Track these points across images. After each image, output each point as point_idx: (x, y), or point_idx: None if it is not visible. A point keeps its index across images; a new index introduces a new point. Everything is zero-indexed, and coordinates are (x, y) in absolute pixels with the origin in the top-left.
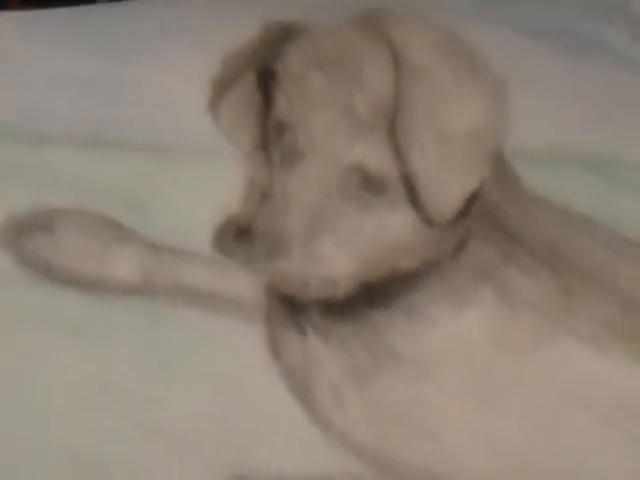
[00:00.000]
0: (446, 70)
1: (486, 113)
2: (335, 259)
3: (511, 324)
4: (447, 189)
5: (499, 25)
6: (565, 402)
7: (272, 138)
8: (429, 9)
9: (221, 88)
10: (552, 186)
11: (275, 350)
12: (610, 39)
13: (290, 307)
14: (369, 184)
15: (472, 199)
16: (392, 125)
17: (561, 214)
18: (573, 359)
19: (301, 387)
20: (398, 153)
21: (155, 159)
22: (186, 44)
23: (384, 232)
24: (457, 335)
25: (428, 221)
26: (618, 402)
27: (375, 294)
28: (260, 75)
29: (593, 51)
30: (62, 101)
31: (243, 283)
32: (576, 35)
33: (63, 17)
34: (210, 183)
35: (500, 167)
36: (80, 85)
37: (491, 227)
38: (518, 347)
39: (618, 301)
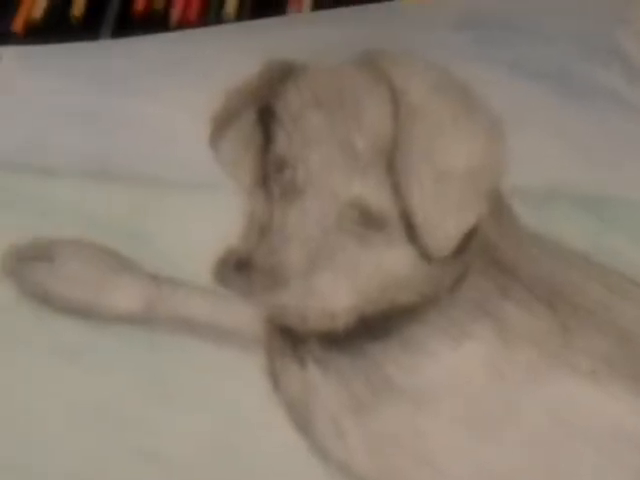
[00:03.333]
0: (443, 109)
1: (483, 151)
2: (334, 293)
3: (508, 357)
4: (445, 225)
5: (496, 65)
6: (564, 434)
7: (272, 174)
8: (427, 48)
9: (222, 124)
10: (548, 224)
11: (275, 380)
12: (607, 82)
13: (290, 339)
14: (368, 220)
15: (470, 235)
16: (390, 163)
17: (557, 251)
18: (572, 393)
19: (301, 417)
20: (396, 190)
21: (156, 192)
22: (188, 80)
23: (383, 267)
24: (455, 368)
25: (426, 257)
26: (618, 435)
27: (373, 327)
28: (260, 112)
29: (590, 93)
30: (63, 134)
31: (243, 315)
32: (573, 77)
33: (65, 53)
34: (211, 216)
35: (497, 204)
36: (81, 119)
37: (488, 263)
38: (516, 380)
39: (615, 337)
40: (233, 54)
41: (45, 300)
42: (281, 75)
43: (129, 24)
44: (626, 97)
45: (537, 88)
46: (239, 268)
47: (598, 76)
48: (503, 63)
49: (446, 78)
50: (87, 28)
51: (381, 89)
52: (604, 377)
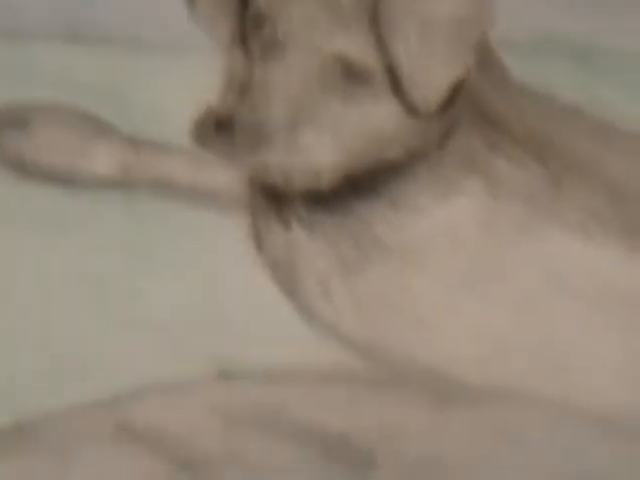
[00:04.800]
0: None
1: (468, 1)
2: (318, 150)
3: (498, 213)
4: (431, 78)
5: None
6: (553, 289)
7: (251, 30)
8: None
9: None
10: (538, 75)
11: (258, 243)
12: None
13: (273, 199)
14: (352, 75)
15: (457, 88)
16: (374, 14)
17: (547, 103)
18: (561, 247)
19: (286, 279)
20: (381, 43)
21: (133, 52)
22: None
23: (368, 123)
24: (444, 223)
25: (413, 112)
26: (606, 289)
27: (360, 185)
28: None
29: None
30: None
31: (224, 176)
32: None
33: None
34: (189, 76)
35: (485, 55)
36: None
37: (477, 117)
38: (506, 235)
39: (606, 191)
40: None
41: (22, 167)
42: None
43: None
44: None
45: None
46: (219, 128)
47: None
48: None
49: None
50: None
51: None
52: (595, 231)
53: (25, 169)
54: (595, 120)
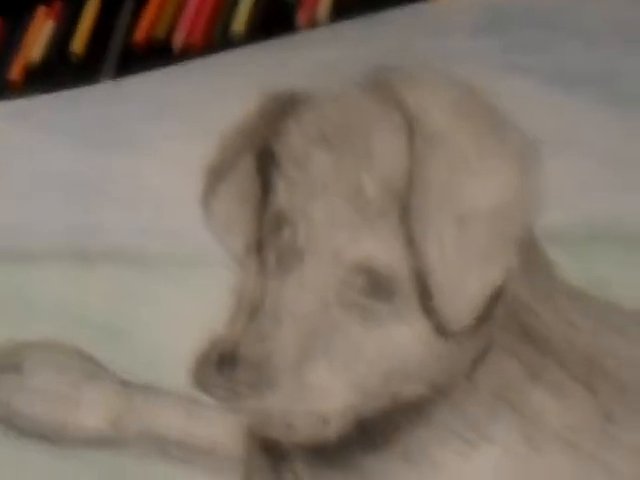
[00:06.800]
0: (466, 135)
1: (514, 186)
2: (328, 390)
3: (535, 465)
4: (466, 285)
5: (529, 75)
6: None
7: (268, 235)
8: (448, 60)
9: (216, 178)
10: (592, 275)
11: None
12: None
13: (272, 455)
14: (375, 287)
15: (495, 297)
16: (404, 210)
17: (603, 313)
18: None
19: None
20: (411, 243)
21: (139, 271)
22: (178, 126)
23: (388, 349)
24: None
25: (442, 330)
26: None
27: (371, 432)
28: (260, 157)
29: None
30: (40, 209)
31: (220, 428)
32: (620, 80)
33: (46, 105)
34: (196, 299)
35: (530, 253)
36: (60, 186)
37: (516, 334)
38: None
39: None
40: (228, 91)
41: (10, 421)
42: (281, 110)
43: (132, 55)
44: None
45: (578, 99)
46: (222, 364)
47: None
48: (536, 72)
49: (469, 97)
50: (89, 64)
51: (393, 116)
52: None
53: (14, 423)
54: None
